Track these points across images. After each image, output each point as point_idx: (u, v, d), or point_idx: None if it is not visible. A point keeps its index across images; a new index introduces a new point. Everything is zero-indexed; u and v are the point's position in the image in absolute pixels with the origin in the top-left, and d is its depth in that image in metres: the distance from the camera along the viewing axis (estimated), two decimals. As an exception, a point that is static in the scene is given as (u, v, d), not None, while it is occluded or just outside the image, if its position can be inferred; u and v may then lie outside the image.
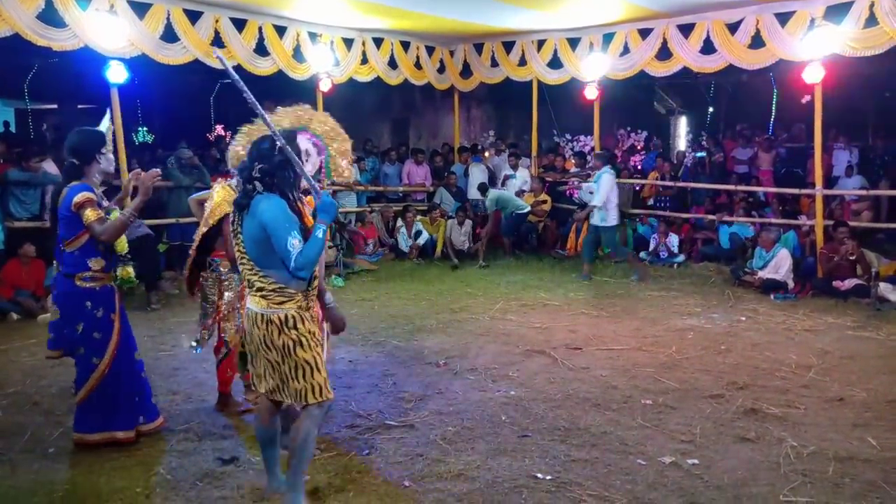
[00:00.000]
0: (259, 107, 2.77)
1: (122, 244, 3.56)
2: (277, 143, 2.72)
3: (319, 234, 2.67)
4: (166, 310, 6.72)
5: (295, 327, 2.74)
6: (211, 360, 4.70)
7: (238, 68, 8.03)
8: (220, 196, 3.73)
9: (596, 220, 8.13)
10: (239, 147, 3.46)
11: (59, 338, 3.50)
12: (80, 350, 3.48)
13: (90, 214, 3.31)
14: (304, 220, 2.79)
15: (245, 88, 2.75)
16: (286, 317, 2.72)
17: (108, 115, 3.74)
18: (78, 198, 3.31)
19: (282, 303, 2.73)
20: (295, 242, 2.62)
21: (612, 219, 8.13)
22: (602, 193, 7.93)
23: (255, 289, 2.77)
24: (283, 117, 3.34)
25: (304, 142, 3.48)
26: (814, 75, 7.41)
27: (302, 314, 2.76)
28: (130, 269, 3.64)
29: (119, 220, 3.38)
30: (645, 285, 7.83)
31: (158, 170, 3.64)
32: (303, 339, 2.75)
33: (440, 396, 4.38)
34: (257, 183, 2.71)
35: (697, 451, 3.57)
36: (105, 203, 3.48)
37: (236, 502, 3.09)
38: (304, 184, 2.83)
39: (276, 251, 2.65)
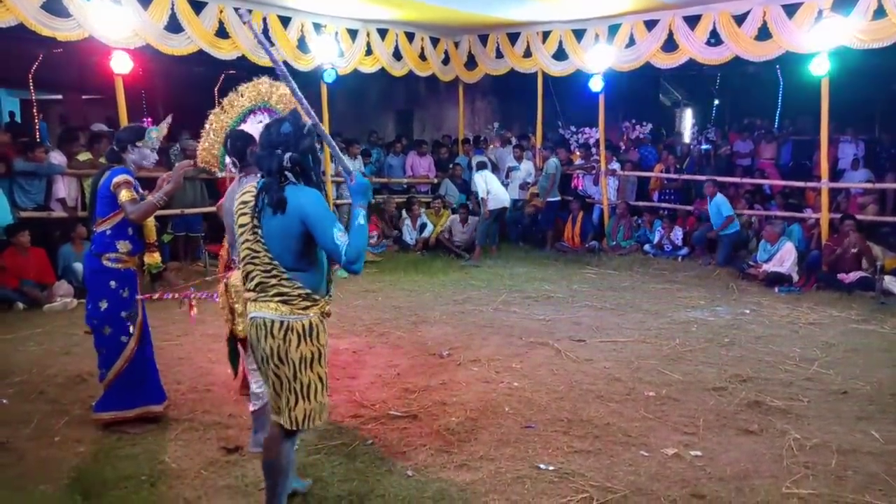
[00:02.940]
0: (292, 80, 2.53)
1: (151, 232, 3.80)
2: (309, 121, 2.49)
3: (361, 220, 2.46)
4: (172, 300, 6.74)
5: (318, 338, 2.51)
6: (215, 350, 4.73)
7: (242, 59, 8.03)
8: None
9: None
10: (208, 144, 3.33)
11: (89, 313, 3.70)
12: (107, 329, 3.63)
13: (125, 195, 3.53)
14: None
15: (277, 60, 2.53)
16: (310, 324, 2.49)
17: (165, 122, 3.83)
18: (118, 178, 3.55)
19: (306, 308, 2.48)
20: (341, 235, 2.39)
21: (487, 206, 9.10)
22: (479, 189, 9.18)
23: (272, 293, 2.48)
24: (242, 93, 3.24)
25: (252, 125, 3.33)
26: (821, 67, 7.36)
27: (324, 322, 2.55)
28: (157, 256, 3.90)
29: (149, 203, 3.60)
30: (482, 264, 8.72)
31: (191, 161, 3.86)
32: (322, 352, 2.54)
33: (443, 387, 4.40)
34: (289, 174, 2.47)
35: (700, 442, 3.58)
36: (140, 191, 3.71)
37: (241, 491, 3.11)
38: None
39: (323, 246, 2.43)
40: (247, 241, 2.52)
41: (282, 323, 2.46)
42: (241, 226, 2.55)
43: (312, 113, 2.51)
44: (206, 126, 3.29)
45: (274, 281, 2.48)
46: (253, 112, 3.38)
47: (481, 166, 9.51)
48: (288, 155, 2.46)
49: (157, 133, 3.71)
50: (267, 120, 3.39)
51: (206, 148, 3.37)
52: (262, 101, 3.21)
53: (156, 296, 3.82)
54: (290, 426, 2.55)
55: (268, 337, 2.48)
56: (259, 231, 2.49)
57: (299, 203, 2.42)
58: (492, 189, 9.13)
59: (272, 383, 2.54)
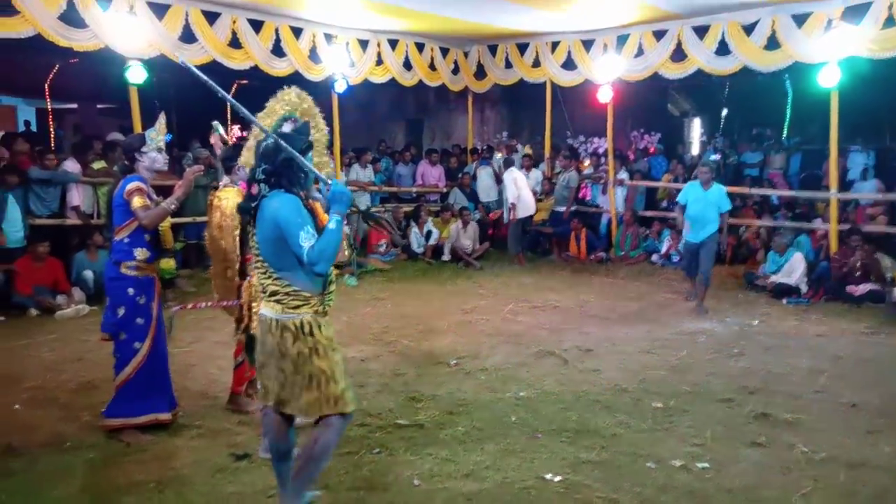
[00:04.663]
0: (239, 105, 2.64)
1: (169, 239, 3.87)
2: (269, 139, 2.63)
3: (333, 224, 2.53)
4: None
5: (311, 334, 2.63)
6: (226, 357, 4.77)
7: (255, 69, 8.13)
8: (234, 200, 3.69)
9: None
10: (249, 155, 3.41)
11: (105, 321, 3.77)
12: (122, 335, 3.71)
13: (137, 201, 3.62)
14: (317, 219, 2.71)
15: (219, 89, 2.59)
16: (302, 323, 2.61)
17: (160, 120, 3.89)
18: (130, 186, 3.65)
19: (297, 307, 2.62)
20: (306, 238, 2.51)
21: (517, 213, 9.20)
22: (509, 192, 9.18)
23: (269, 293, 2.66)
24: (276, 103, 3.25)
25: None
26: (830, 77, 7.35)
27: (318, 320, 2.66)
28: (172, 262, 4.03)
29: (161, 208, 3.69)
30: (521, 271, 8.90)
31: (201, 166, 3.93)
32: (319, 347, 2.64)
33: (450, 396, 4.41)
34: (263, 185, 2.62)
35: (708, 454, 3.57)
36: (155, 197, 3.78)
37: (249, 497, 3.13)
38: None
39: (291, 247, 2.55)
40: (251, 246, 2.75)
41: (277, 321, 2.63)
42: (246, 232, 2.84)
43: (261, 125, 2.71)
44: (254, 129, 3.34)
45: (269, 281, 2.66)
46: (287, 120, 3.37)
47: (509, 164, 9.51)
48: (261, 167, 2.63)
49: (155, 133, 3.79)
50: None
51: (247, 152, 3.44)
52: (292, 111, 3.26)
53: (189, 306, 3.85)
54: (301, 414, 2.71)
55: (268, 334, 2.66)
56: (255, 237, 2.69)
57: (273, 208, 2.58)
58: (522, 194, 9.13)
59: (276, 376, 2.67)
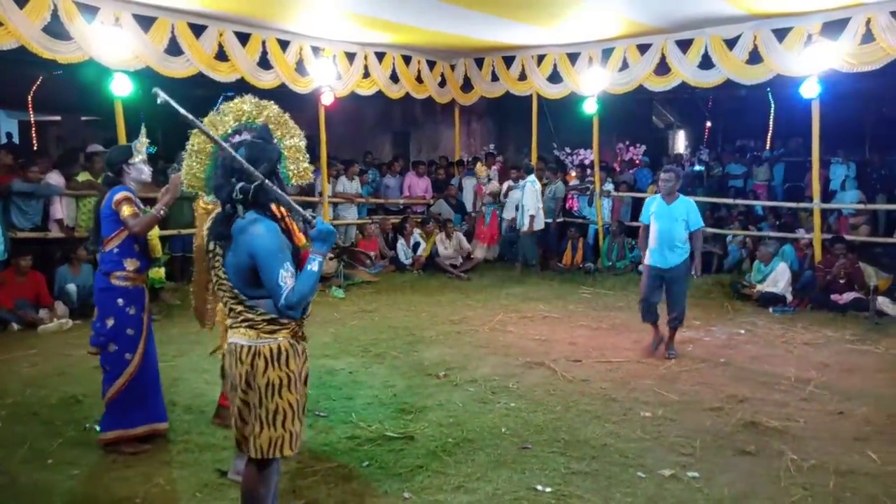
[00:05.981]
0: (210, 133, 2.44)
1: (157, 249, 3.86)
2: (255, 181, 2.34)
3: (315, 266, 2.35)
4: (167, 321, 6.71)
5: (287, 364, 2.43)
6: (212, 371, 4.71)
7: (241, 81, 8.12)
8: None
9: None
10: (186, 167, 2.92)
11: (95, 332, 3.73)
12: (113, 347, 3.67)
13: (126, 210, 3.61)
14: (294, 240, 2.50)
15: (188, 114, 2.35)
16: (278, 349, 2.42)
17: (142, 132, 3.87)
18: (118, 196, 3.65)
19: (273, 331, 2.42)
20: (287, 277, 2.30)
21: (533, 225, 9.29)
22: (528, 201, 9.14)
23: (240, 319, 2.44)
24: (226, 112, 2.81)
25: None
26: (811, 90, 7.49)
27: (295, 346, 2.48)
28: (161, 271, 3.92)
29: (150, 215, 3.68)
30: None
31: None
32: (292, 378, 2.45)
33: (440, 408, 4.38)
34: (239, 206, 2.39)
35: (697, 463, 3.58)
36: (142, 206, 3.77)
37: (236, 513, 3.08)
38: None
39: (265, 284, 2.34)
40: (213, 267, 2.51)
41: (250, 348, 2.41)
42: (209, 251, 2.53)
43: (246, 165, 2.35)
44: (188, 147, 2.89)
45: (240, 307, 2.44)
46: (238, 132, 2.87)
47: (530, 171, 9.53)
48: (239, 185, 2.37)
49: (140, 145, 3.80)
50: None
51: (186, 170, 2.93)
52: (248, 122, 2.95)
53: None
54: (255, 454, 2.44)
55: (237, 363, 2.43)
56: (219, 259, 2.46)
57: (251, 235, 2.35)
58: (539, 206, 9.24)
59: (239, 410, 2.46)
